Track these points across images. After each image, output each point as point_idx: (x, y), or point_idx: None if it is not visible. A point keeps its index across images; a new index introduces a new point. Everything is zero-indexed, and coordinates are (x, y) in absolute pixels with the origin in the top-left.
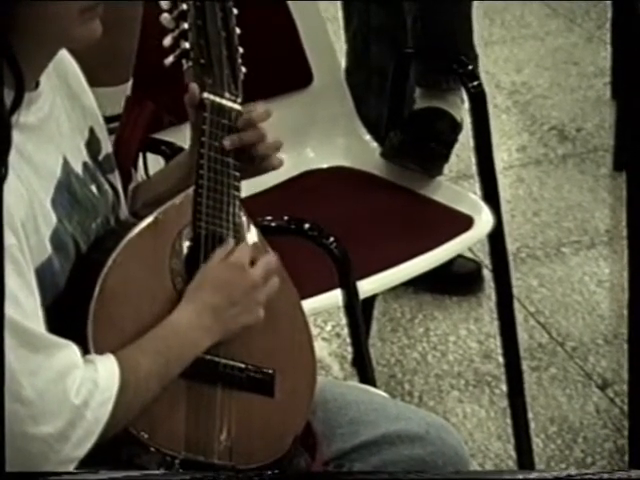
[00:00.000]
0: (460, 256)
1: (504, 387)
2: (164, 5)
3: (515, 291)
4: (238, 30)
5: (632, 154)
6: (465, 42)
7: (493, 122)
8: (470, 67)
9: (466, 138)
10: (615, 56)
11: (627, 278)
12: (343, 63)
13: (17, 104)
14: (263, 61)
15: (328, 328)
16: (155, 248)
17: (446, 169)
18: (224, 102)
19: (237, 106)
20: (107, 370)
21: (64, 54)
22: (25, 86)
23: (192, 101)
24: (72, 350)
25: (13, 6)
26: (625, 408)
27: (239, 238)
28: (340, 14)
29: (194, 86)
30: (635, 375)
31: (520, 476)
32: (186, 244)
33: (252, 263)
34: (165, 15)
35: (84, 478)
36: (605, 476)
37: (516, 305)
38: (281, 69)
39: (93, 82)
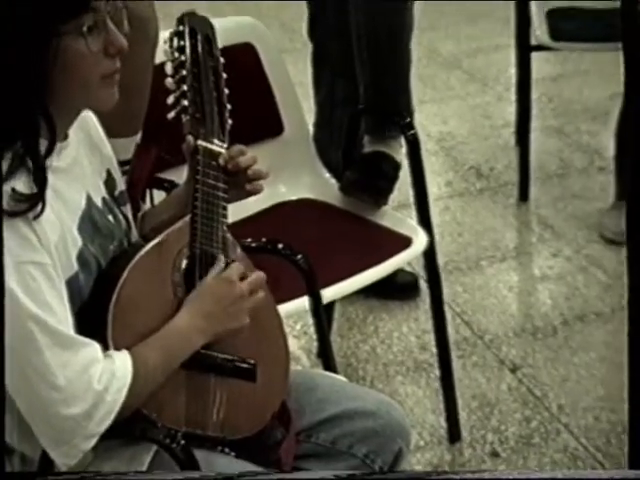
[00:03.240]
0: (401, 269)
1: (437, 372)
2: (168, 71)
3: (445, 296)
4: (226, 90)
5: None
6: (405, 102)
7: (425, 163)
8: (407, 120)
9: (405, 175)
10: (519, 111)
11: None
12: (311, 119)
13: (50, 152)
14: (246, 115)
15: (298, 327)
16: (160, 264)
17: (390, 200)
18: (214, 148)
19: (224, 151)
20: (122, 363)
21: (87, 112)
22: (57, 137)
23: (189, 147)
24: (94, 348)
25: (49, 74)
26: (531, 386)
27: (227, 255)
28: (305, 79)
29: (190, 136)
30: (635, 375)
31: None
32: (184, 261)
33: (242, 279)
34: (169, 79)
35: (84, 477)
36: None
37: (445, 307)
38: (259, 122)
39: (110, 134)
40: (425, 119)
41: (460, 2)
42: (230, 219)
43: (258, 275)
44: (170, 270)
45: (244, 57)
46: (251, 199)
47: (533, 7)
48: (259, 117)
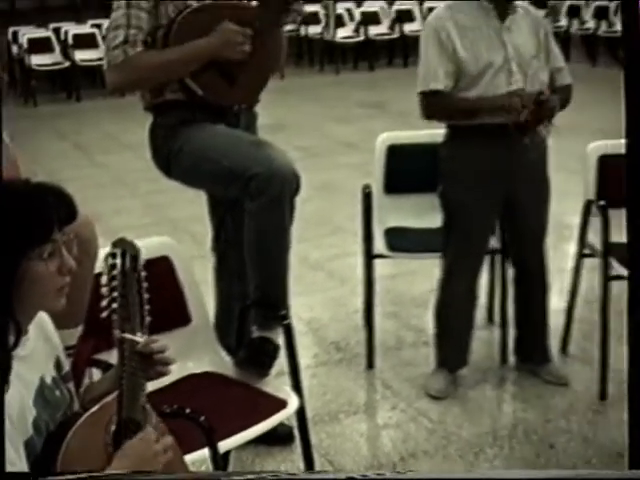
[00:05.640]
0: (280, 423)
1: None
2: (103, 281)
3: (312, 442)
4: (146, 295)
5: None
6: (283, 299)
7: (297, 340)
8: (284, 312)
9: (282, 352)
10: (365, 301)
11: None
12: (212, 311)
13: (16, 344)
14: (161, 311)
15: (202, 469)
16: (95, 428)
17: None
18: (136, 339)
19: (143, 341)
20: None
21: (41, 312)
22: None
23: (117, 338)
24: None
25: (16, 288)
26: None
27: (146, 420)
28: (208, 277)
29: (118, 330)
30: (635, 379)
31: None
32: (113, 426)
33: (157, 441)
34: (104, 288)
35: (84, 478)
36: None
37: (313, 450)
38: (172, 315)
39: (59, 326)
40: (297, 308)
41: (327, 218)
42: (149, 388)
43: (169, 439)
44: (103, 433)
45: (162, 267)
46: None
47: (375, 226)
48: (172, 312)
